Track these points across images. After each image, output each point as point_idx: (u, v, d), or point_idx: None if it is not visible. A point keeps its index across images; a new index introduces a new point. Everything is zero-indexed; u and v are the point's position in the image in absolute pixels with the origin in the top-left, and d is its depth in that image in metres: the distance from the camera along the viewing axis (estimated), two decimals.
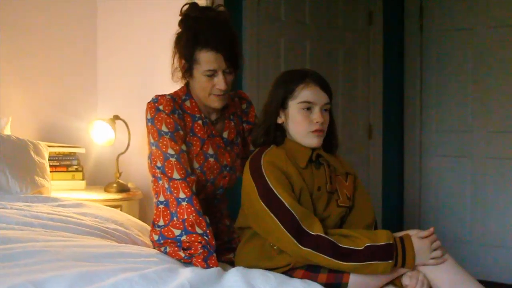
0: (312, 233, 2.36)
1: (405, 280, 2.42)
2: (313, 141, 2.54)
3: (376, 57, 5.48)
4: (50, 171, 3.66)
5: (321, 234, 2.36)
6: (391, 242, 2.37)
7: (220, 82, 2.64)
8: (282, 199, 2.40)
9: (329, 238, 2.36)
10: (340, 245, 2.35)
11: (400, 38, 5.72)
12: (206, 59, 2.62)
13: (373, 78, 5.48)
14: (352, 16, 5.34)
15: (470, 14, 5.40)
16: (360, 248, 2.34)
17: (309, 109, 2.52)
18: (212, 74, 2.64)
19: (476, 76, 5.39)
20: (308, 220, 2.39)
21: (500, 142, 5.29)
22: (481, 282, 2.48)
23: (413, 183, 5.72)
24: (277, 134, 2.59)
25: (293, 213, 2.39)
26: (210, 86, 2.66)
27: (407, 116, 5.74)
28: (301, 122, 2.53)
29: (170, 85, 2.79)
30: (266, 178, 2.45)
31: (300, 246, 2.35)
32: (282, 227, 2.38)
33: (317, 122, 2.51)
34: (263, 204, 2.43)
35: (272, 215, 2.40)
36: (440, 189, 5.61)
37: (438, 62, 5.60)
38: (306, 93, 2.52)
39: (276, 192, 2.42)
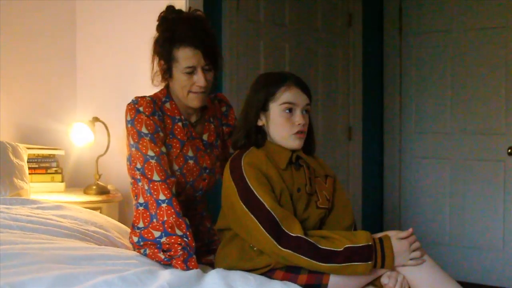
0: (292, 234, 2.37)
1: (384, 280, 2.43)
2: (295, 143, 2.55)
3: (355, 59, 5.50)
4: (29, 173, 3.65)
5: (301, 236, 2.37)
6: (370, 243, 2.38)
7: (200, 79, 2.65)
8: (262, 200, 2.41)
9: (309, 240, 2.36)
10: (320, 246, 2.36)
11: (379, 40, 5.74)
12: (185, 56, 2.63)
13: (353, 79, 5.49)
14: (332, 18, 5.35)
15: (449, 16, 5.44)
16: (339, 249, 2.35)
17: (290, 111, 2.53)
18: (191, 71, 2.64)
19: (455, 78, 5.42)
20: (288, 221, 2.40)
21: (479, 144, 5.33)
22: (460, 283, 2.50)
23: (392, 185, 5.75)
24: (258, 137, 2.59)
25: (273, 214, 2.39)
26: (190, 84, 2.66)
27: (386, 118, 5.77)
28: (283, 124, 2.54)
29: (150, 87, 2.79)
30: (247, 179, 2.46)
31: (280, 247, 2.36)
32: (262, 228, 2.38)
33: (299, 124, 2.53)
34: (243, 205, 2.43)
35: (252, 216, 2.41)
36: (420, 190, 5.63)
37: (417, 64, 5.63)
38: (287, 95, 2.53)
39: (256, 193, 2.42)
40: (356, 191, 5.50)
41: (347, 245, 2.35)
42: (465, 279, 5.11)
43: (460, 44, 5.39)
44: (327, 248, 2.35)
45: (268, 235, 2.37)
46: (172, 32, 2.65)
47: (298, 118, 2.52)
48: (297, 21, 5.03)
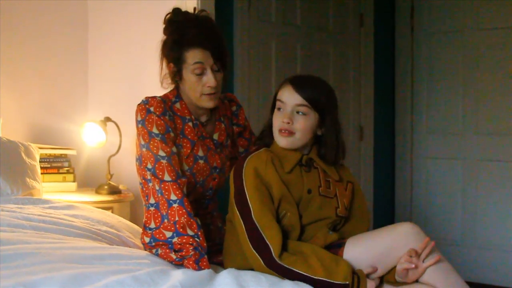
0: (271, 254, 2.35)
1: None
2: (280, 140, 2.52)
3: (367, 59, 5.49)
4: (41, 173, 3.66)
5: (277, 260, 2.34)
6: (347, 282, 2.30)
7: (210, 79, 2.65)
8: (250, 206, 2.41)
9: (284, 266, 2.34)
10: (295, 270, 2.33)
11: (391, 40, 5.73)
12: (193, 56, 2.64)
13: (364, 80, 5.48)
14: (343, 18, 5.34)
15: (461, 16, 5.42)
16: (314, 277, 2.30)
17: (280, 109, 2.52)
18: (201, 72, 2.64)
19: (466, 78, 5.41)
20: (271, 233, 2.38)
21: (491, 144, 5.31)
22: (471, 284, 2.48)
23: (404, 185, 5.74)
24: (267, 137, 2.59)
25: (256, 223, 2.39)
26: (201, 86, 2.66)
27: (398, 118, 5.75)
28: (274, 121, 2.54)
29: (161, 87, 2.80)
30: (244, 181, 2.46)
31: (259, 258, 2.36)
32: (246, 234, 2.40)
33: (282, 121, 2.49)
34: (235, 206, 2.46)
35: (240, 218, 2.43)
36: (431, 191, 5.62)
37: (429, 64, 5.61)
38: (280, 93, 2.53)
39: (247, 197, 2.43)
40: (368, 191, 5.48)
41: (321, 278, 2.30)
42: (476, 279, 5.10)
43: (472, 44, 5.37)
44: (302, 272, 2.32)
45: (250, 246, 2.38)
46: (181, 34, 2.65)
47: (283, 115, 2.50)
48: (309, 21, 5.03)
